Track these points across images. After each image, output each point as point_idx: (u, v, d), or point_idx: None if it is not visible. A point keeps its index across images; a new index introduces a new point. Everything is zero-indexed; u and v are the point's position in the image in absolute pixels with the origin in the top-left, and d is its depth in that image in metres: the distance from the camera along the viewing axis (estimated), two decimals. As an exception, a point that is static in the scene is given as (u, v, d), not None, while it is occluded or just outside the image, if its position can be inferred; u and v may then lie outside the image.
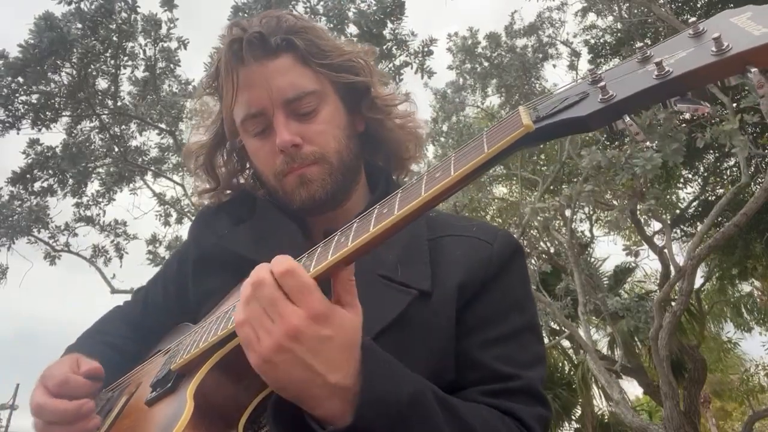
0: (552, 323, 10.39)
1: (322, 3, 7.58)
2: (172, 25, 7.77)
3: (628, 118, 0.61)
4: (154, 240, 10.20)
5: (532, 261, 11.16)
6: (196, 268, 1.16)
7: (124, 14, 7.54)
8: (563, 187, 10.16)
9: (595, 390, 13.91)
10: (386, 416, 0.72)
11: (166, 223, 10.64)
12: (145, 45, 8.04)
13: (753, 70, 0.53)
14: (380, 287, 0.95)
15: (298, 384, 0.73)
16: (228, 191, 1.26)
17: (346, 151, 1.08)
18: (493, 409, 0.87)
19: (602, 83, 0.62)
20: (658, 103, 0.60)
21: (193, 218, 1.35)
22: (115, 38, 7.66)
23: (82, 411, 0.96)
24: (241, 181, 1.28)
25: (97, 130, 8.94)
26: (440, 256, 1.01)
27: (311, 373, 0.72)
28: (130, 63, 8.18)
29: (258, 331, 0.73)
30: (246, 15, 7.12)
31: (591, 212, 12.74)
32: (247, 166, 1.26)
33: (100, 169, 9.43)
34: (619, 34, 10.77)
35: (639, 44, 0.65)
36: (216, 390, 0.86)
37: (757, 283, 15.41)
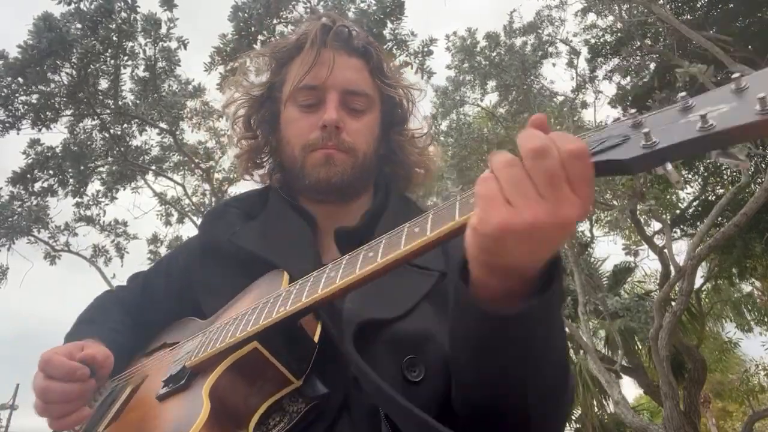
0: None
1: (322, 3, 7.59)
2: (172, 25, 7.78)
3: (669, 166, 0.62)
4: (155, 240, 10.22)
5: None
6: (206, 265, 1.17)
7: (123, 14, 7.54)
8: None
9: (594, 390, 13.90)
10: (557, 305, 0.75)
11: (167, 223, 10.67)
12: (145, 45, 8.05)
13: None
14: (404, 271, 0.97)
15: (516, 259, 0.66)
16: (260, 156, 1.30)
17: (370, 158, 1.17)
18: None
19: (646, 130, 0.63)
20: (699, 153, 0.62)
21: (205, 214, 1.38)
22: (114, 38, 7.66)
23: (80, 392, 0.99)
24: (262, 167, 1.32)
25: (97, 130, 8.95)
26: (450, 242, 1.04)
27: (536, 256, 0.67)
28: (130, 63, 8.19)
29: (514, 196, 0.63)
30: (246, 15, 7.13)
31: (591, 212, 12.73)
32: (264, 145, 1.28)
33: (101, 169, 9.44)
34: (619, 34, 10.77)
35: (681, 94, 0.66)
36: (229, 391, 0.86)
37: (757, 283, 15.40)
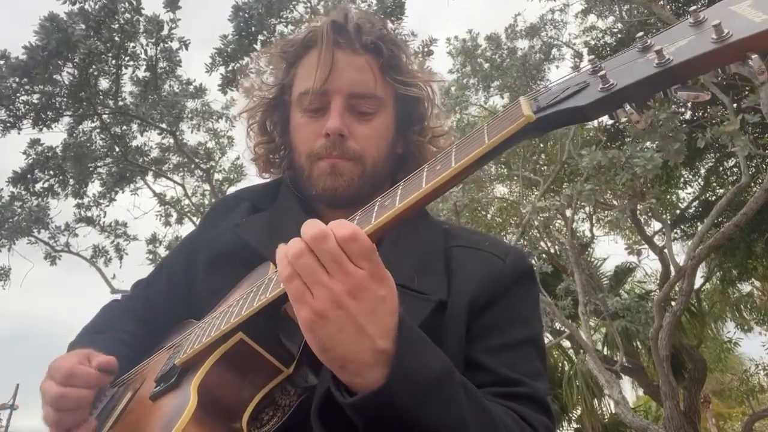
0: (552, 323, 10.39)
1: (322, 3, 7.60)
2: (174, 26, 7.78)
3: (628, 107, 0.61)
4: (154, 240, 10.22)
5: (533, 261, 11.16)
6: (210, 262, 1.16)
7: (127, 15, 7.54)
8: (564, 186, 10.16)
9: (594, 390, 13.90)
10: (415, 388, 0.71)
11: (167, 224, 10.67)
12: (147, 45, 8.05)
13: (753, 56, 0.53)
14: (401, 294, 0.96)
15: (345, 346, 0.71)
16: (272, 156, 1.26)
17: (381, 163, 1.12)
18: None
19: (602, 72, 0.63)
20: (659, 91, 0.61)
21: (213, 205, 1.35)
22: (117, 38, 7.66)
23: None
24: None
25: (98, 130, 8.95)
26: (454, 266, 1.03)
27: (362, 336, 0.70)
28: (131, 63, 8.19)
29: (312, 285, 0.71)
30: (246, 15, 7.13)
31: (591, 212, 12.74)
32: (281, 146, 1.25)
33: (101, 169, 9.44)
34: (619, 35, 10.78)
35: (639, 34, 0.65)
36: (220, 385, 0.87)
37: (757, 283, 15.41)
